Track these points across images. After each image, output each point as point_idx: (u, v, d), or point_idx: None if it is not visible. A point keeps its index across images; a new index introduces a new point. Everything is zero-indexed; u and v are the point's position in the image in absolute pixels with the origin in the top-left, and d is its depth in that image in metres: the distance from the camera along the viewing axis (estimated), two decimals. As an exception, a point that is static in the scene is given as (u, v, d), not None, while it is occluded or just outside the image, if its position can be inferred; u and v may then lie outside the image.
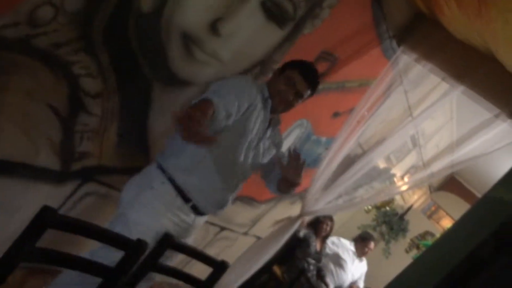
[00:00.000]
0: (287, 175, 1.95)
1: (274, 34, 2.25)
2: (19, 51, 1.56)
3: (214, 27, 1.96)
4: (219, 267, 2.01)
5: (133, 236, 1.57)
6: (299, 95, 1.94)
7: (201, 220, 2.01)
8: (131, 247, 1.56)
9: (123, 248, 1.56)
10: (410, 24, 3.01)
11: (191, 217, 1.92)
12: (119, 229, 1.62)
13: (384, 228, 6.12)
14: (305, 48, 2.50)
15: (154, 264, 1.77)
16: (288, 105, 1.97)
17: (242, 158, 1.91)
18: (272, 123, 2.02)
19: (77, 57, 1.70)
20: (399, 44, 3.03)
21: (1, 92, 1.62)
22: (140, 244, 1.57)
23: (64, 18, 1.58)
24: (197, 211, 1.92)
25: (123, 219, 1.79)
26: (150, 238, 1.69)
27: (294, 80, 1.91)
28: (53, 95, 1.77)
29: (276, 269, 4.43)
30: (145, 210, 1.80)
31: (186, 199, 1.87)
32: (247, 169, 1.98)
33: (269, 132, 2.01)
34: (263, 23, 2.14)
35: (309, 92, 1.97)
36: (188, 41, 1.93)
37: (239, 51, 2.16)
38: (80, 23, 1.62)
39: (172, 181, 1.84)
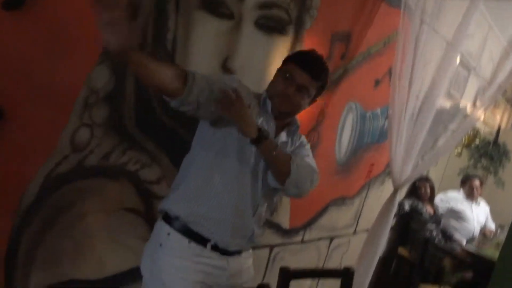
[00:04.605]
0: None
1: (282, 43, 2.28)
2: (78, 177, 1.68)
3: (226, 67, 2.02)
4: (346, 275, 1.99)
5: None
6: (302, 90, 1.58)
7: (241, 261, 1.66)
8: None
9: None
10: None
11: (223, 260, 1.59)
12: None
13: (484, 161, 5.78)
14: (315, 41, 2.50)
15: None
16: (292, 104, 1.59)
17: (251, 169, 1.57)
18: (285, 131, 1.68)
19: (127, 156, 1.81)
20: (400, -12, 2.95)
21: (82, 219, 1.74)
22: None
23: (100, 131, 1.69)
24: (223, 251, 1.59)
25: None
26: None
27: (292, 73, 1.57)
28: (124, 198, 1.88)
29: (402, 251, 4.30)
30: (164, 273, 1.55)
31: (202, 241, 1.56)
32: (260, 185, 1.60)
33: (280, 140, 1.65)
34: (266, 39, 2.18)
35: (315, 83, 1.60)
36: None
37: (259, 75, 2.20)
38: (114, 127, 1.73)
39: (178, 227, 1.56)
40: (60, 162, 1.62)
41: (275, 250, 2.87)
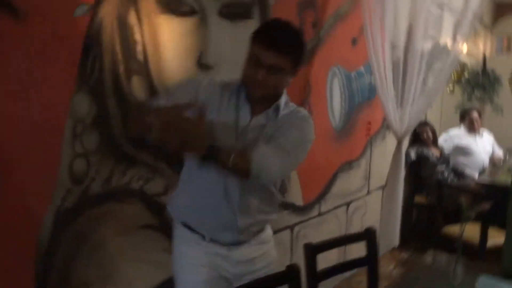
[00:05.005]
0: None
1: (250, 27, 2.25)
2: (86, 208, 1.69)
3: (201, 64, 2.01)
4: (369, 235, 2.01)
5: None
6: (273, 70, 1.42)
7: (248, 249, 1.64)
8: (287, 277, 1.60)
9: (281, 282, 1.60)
10: None
11: (224, 249, 1.60)
12: None
13: (477, 92, 5.78)
14: (283, 15, 2.48)
15: (315, 275, 1.80)
16: (267, 88, 1.47)
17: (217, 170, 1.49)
18: (264, 113, 1.54)
19: (128, 175, 1.81)
20: None
21: (103, 246, 1.75)
22: (294, 269, 1.61)
23: (95, 157, 1.69)
24: (219, 243, 1.60)
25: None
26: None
27: (257, 56, 1.42)
28: (137, 217, 1.89)
29: (419, 199, 4.33)
30: (176, 260, 1.65)
31: (199, 232, 1.60)
32: (235, 180, 1.54)
33: (254, 124, 1.53)
34: (234, 27, 2.16)
35: (287, 57, 1.43)
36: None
37: (235, 65, 2.18)
38: (108, 150, 1.73)
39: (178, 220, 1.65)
40: (65, 198, 1.62)
41: (296, 229, 2.89)
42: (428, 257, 2.08)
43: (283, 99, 1.57)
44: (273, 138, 1.49)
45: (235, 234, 1.59)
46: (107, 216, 1.77)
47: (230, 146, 1.44)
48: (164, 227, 1.94)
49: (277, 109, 1.55)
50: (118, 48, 1.71)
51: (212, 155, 1.32)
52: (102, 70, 1.67)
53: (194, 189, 1.57)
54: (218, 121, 1.50)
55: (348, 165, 3.42)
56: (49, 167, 1.57)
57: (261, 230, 1.67)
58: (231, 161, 1.35)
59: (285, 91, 1.59)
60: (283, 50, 1.42)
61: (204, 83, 1.55)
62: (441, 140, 4.65)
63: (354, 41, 3.25)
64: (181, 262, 1.63)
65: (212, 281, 1.59)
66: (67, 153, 1.60)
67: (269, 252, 1.71)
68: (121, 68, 1.73)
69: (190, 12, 1.94)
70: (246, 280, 1.56)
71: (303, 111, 1.62)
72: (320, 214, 3.13)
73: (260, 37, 1.43)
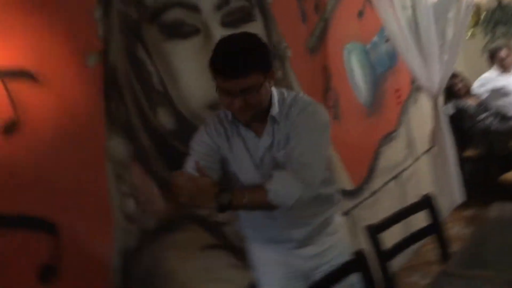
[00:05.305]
0: None
1: (256, 30, 2.26)
2: (147, 242, 1.74)
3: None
4: (427, 202, 1.96)
5: None
6: (245, 91, 1.34)
7: (316, 246, 1.63)
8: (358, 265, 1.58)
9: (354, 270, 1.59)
10: None
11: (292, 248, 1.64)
12: None
13: (499, 29, 5.56)
14: (284, 9, 2.49)
15: (383, 255, 1.78)
16: (250, 110, 1.40)
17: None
18: (266, 130, 1.49)
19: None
20: None
21: (174, 274, 1.81)
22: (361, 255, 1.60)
23: (142, 193, 1.73)
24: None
25: None
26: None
27: (222, 87, 1.35)
28: (198, 240, 1.93)
29: (468, 153, 4.19)
30: (257, 266, 1.72)
31: None
32: None
33: (263, 144, 1.49)
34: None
35: (250, 75, 1.33)
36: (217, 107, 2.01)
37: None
38: (152, 183, 1.77)
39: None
40: (125, 238, 1.68)
41: (351, 214, 2.85)
42: (493, 211, 2.01)
43: (276, 101, 1.48)
44: (288, 152, 1.44)
45: (295, 243, 1.62)
46: (170, 245, 1.81)
47: (252, 179, 1.50)
48: (225, 244, 1.96)
49: (273, 120, 1.48)
50: (135, 84, 1.74)
51: (224, 204, 1.31)
52: (127, 110, 1.70)
53: (245, 211, 1.59)
54: (233, 157, 1.53)
55: (388, 137, 3.35)
56: (102, 210, 1.62)
57: (325, 226, 1.64)
58: (246, 200, 1.36)
59: (272, 89, 1.48)
60: (243, 72, 1.32)
61: (208, 126, 1.55)
62: (476, 87, 4.48)
63: (360, 14, 3.20)
64: (257, 263, 1.70)
65: (289, 277, 1.65)
66: (115, 196, 1.65)
67: (341, 240, 1.68)
68: (144, 103, 1.76)
69: (194, 31, 1.96)
70: (321, 271, 1.58)
71: (304, 99, 1.52)
72: (372, 193, 3.08)
73: (216, 69, 1.35)
